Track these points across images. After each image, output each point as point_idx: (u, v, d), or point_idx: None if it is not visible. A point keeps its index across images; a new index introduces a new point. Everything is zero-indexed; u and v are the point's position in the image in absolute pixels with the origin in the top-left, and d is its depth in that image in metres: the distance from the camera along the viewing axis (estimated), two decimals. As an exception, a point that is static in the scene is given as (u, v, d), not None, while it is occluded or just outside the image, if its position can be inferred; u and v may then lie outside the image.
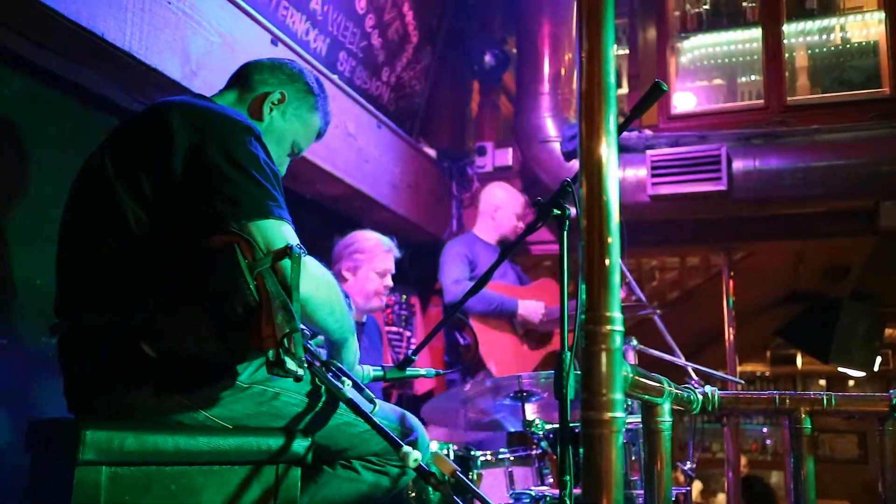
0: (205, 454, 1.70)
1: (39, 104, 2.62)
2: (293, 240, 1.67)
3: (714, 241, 5.20)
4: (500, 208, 4.39)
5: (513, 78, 5.44)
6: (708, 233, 5.06)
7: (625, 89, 5.67)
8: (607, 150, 1.14)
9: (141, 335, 1.66)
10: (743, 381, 3.58)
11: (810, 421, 2.02)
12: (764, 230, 4.94)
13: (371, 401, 1.84)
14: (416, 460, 1.61)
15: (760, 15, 5.08)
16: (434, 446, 2.71)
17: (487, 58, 5.35)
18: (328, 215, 4.35)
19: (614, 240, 1.12)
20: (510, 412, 3.04)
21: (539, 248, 5.34)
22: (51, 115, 2.65)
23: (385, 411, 2.03)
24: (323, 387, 1.88)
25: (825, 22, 5.30)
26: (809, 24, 5.27)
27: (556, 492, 2.57)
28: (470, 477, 2.82)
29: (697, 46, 5.53)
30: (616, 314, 1.11)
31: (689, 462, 3.23)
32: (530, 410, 2.86)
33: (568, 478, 1.84)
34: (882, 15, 4.87)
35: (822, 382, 10.49)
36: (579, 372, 1.92)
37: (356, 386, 1.84)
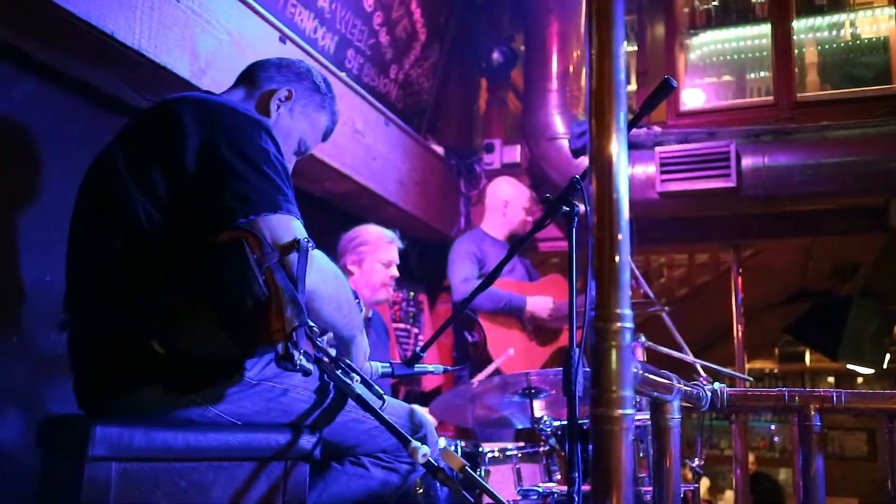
0: (214, 450, 1.71)
1: (49, 104, 2.63)
2: (301, 234, 1.67)
3: (723, 238, 5.19)
4: (509, 203, 4.38)
5: (521, 75, 5.43)
6: (717, 230, 5.05)
7: (633, 86, 5.66)
8: (617, 148, 1.14)
9: (151, 333, 1.67)
10: (752, 378, 3.57)
11: (820, 418, 2.02)
12: (773, 227, 4.92)
13: (380, 397, 1.85)
14: (425, 455, 1.62)
15: (770, 11, 5.06)
16: (442, 442, 2.72)
17: (495, 55, 5.34)
18: (336, 213, 4.35)
19: (624, 237, 1.12)
20: (518, 409, 3.04)
21: (547, 244, 5.34)
22: (61, 114, 2.66)
23: (394, 407, 2.04)
24: (332, 383, 1.88)
25: (835, 18, 5.28)
26: (819, 20, 5.25)
27: (564, 488, 2.57)
28: (478, 473, 2.82)
29: (706, 43, 5.51)
30: (626, 311, 1.11)
31: (696, 459, 3.22)
32: (538, 407, 2.86)
33: (576, 474, 1.85)
34: (892, 10, 4.85)
35: (831, 380, 10.46)
36: (588, 369, 1.93)
37: (365, 382, 1.84)
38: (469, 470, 1.68)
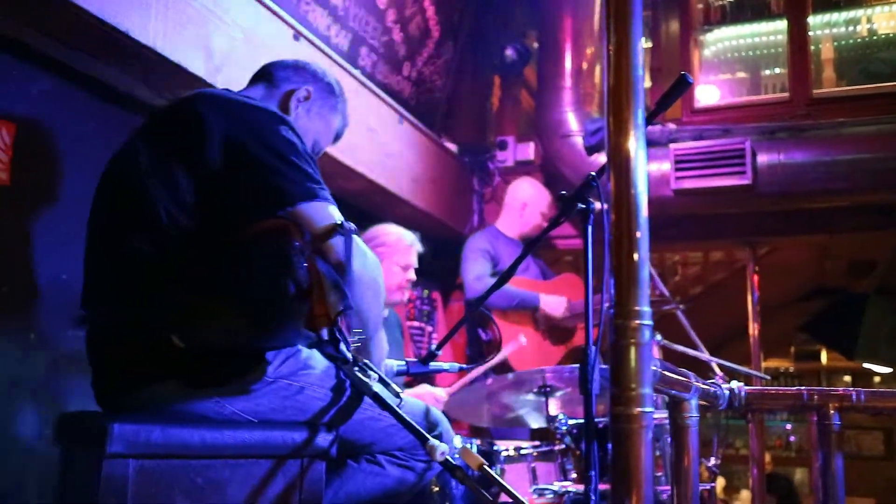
0: (230, 448, 1.71)
1: (65, 102, 2.64)
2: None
3: (738, 235, 5.16)
4: (527, 205, 4.37)
5: (534, 72, 5.42)
6: (732, 227, 5.01)
7: (647, 83, 5.63)
8: (635, 144, 1.14)
9: (170, 329, 1.67)
10: (768, 377, 3.55)
11: (839, 417, 2.00)
12: (788, 225, 4.89)
13: (397, 395, 1.84)
14: (443, 453, 1.62)
15: (785, 7, 5.02)
16: (458, 441, 2.71)
17: (508, 52, 5.32)
18: (350, 211, 4.31)
19: (643, 234, 1.11)
20: (533, 407, 3.04)
21: (562, 242, 5.32)
22: (76, 112, 2.68)
23: (410, 406, 2.04)
24: (348, 381, 1.88)
25: (851, 13, 5.23)
26: (835, 16, 5.21)
27: (580, 487, 2.57)
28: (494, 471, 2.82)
29: (721, 39, 5.48)
30: (645, 308, 1.10)
31: (713, 458, 3.21)
32: (554, 406, 2.86)
33: (593, 473, 1.84)
34: (910, 6, 4.80)
35: (847, 379, 10.39)
36: (604, 366, 1.92)
37: (382, 380, 1.84)
38: (487, 468, 1.68)
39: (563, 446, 2.83)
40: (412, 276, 3.49)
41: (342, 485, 2.00)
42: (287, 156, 1.73)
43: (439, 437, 2.04)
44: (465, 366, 2.77)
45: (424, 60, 4.75)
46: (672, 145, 4.55)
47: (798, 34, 4.84)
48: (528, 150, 5.33)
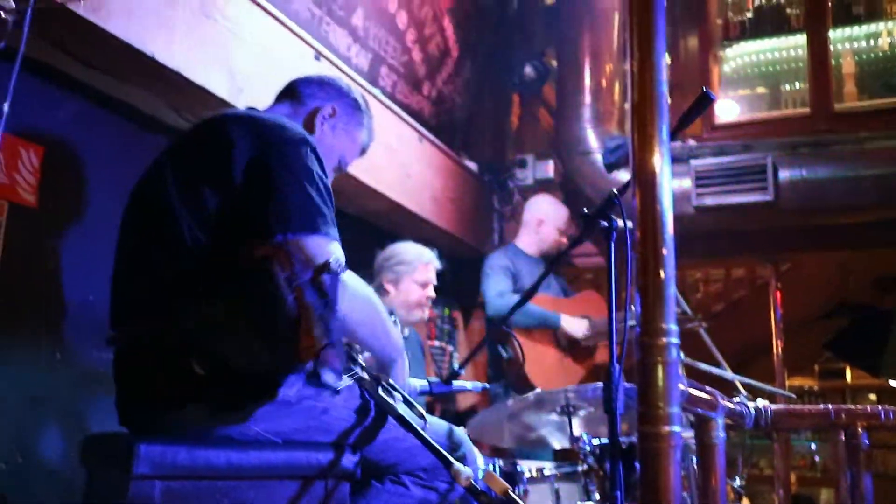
0: (255, 469, 1.71)
1: (93, 125, 2.68)
2: (336, 256, 1.69)
3: (760, 252, 5.12)
4: (544, 221, 4.36)
5: (553, 90, 5.43)
6: (754, 244, 4.97)
7: (666, 99, 5.61)
8: (660, 161, 1.13)
9: (189, 352, 1.68)
10: (794, 395, 3.50)
11: (867, 436, 1.97)
12: (811, 241, 4.84)
13: (421, 416, 1.84)
14: (467, 478, 1.60)
15: (805, 22, 5.00)
16: (481, 462, 2.70)
17: (527, 70, 5.34)
18: (371, 230, 4.37)
19: (669, 251, 1.10)
20: (556, 427, 3.01)
21: (582, 260, 5.31)
22: (104, 135, 2.71)
23: (433, 427, 2.03)
24: (372, 401, 1.88)
25: (872, 27, 5.21)
26: (856, 30, 5.18)
27: (604, 507, 2.54)
28: (516, 493, 2.79)
29: (740, 54, 5.46)
30: (672, 326, 1.09)
31: (738, 478, 3.17)
32: (577, 425, 2.83)
33: (618, 493, 1.82)
34: (931, 20, 4.78)
35: (873, 397, 10.23)
36: (627, 385, 1.90)
37: (406, 401, 1.84)
38: (512, 493, 1.66)
39: (585, 467, 2.80)
40: (431, 293, 3.49)
41: (367, 506, 1.99)
42: (302, 182, 1.72)
43: (463, 458, 2.03)
44: (487, 385, 2.75)
45: (444, 79, 4.78)
46: (692, 161, 4.53)
47: (818, 49, 4.81)
48: (548, 168, 5.33)
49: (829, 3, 4.85)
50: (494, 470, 2.74)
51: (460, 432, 2.12)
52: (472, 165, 5.17)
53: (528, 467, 2.84)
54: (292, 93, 2.14)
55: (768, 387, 3.11)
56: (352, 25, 3.74)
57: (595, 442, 2.67)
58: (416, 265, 3.45)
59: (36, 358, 2.47)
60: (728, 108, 5.32)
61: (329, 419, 1.83)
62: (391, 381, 1.85)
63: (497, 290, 4.06)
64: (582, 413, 2.84)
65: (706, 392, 1.64)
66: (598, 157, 4.71)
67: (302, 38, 3.25)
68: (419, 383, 2.20)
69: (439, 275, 3.55)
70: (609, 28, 4.89)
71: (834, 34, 4.94)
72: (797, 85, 5.34)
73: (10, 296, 2.39)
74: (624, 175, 4.64)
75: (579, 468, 2.85)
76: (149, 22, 2.46)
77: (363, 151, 2.26)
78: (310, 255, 1.66)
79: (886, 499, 8.21)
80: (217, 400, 1.72)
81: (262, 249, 1.66)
